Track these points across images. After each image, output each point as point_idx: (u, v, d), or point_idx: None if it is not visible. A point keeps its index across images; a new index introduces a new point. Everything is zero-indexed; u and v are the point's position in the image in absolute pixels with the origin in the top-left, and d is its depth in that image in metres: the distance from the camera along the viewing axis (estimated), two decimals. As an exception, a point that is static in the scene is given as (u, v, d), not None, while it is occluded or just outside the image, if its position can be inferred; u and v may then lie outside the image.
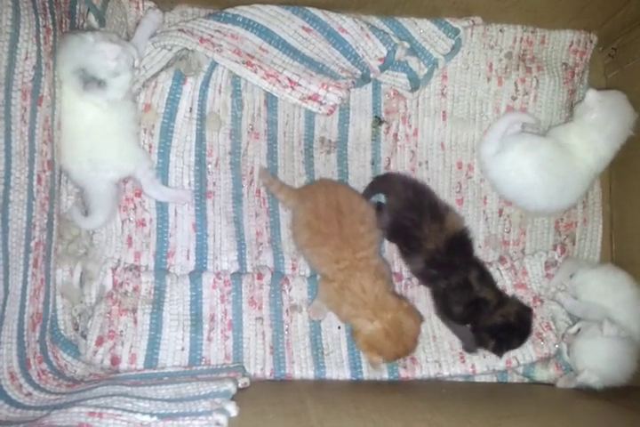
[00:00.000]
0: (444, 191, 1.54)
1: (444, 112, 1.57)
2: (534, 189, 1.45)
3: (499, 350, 1.36)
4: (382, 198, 1.50)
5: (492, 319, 1.35)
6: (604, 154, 1.44)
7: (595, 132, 1.43)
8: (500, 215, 1.56)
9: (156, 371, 1.28)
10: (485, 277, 1.39)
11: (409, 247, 1.40)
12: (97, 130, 1.29)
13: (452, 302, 1.38)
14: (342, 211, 1.35)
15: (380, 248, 1.44)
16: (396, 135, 1.55)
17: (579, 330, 1.37)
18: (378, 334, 1.28)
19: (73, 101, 1.26)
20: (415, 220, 1.38)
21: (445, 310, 1.40)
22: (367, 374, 1.37)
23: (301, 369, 1.35)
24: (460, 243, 1.39)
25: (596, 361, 1.32)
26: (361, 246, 1.33)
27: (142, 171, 1.36)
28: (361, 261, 1.32)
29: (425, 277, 1.42)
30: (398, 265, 1.49)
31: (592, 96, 1.42)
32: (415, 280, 1.46)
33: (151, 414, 1.00)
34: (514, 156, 1.45)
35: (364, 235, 1.34)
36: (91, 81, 1.23)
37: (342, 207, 1.36)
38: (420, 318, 1.34)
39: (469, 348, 1.40)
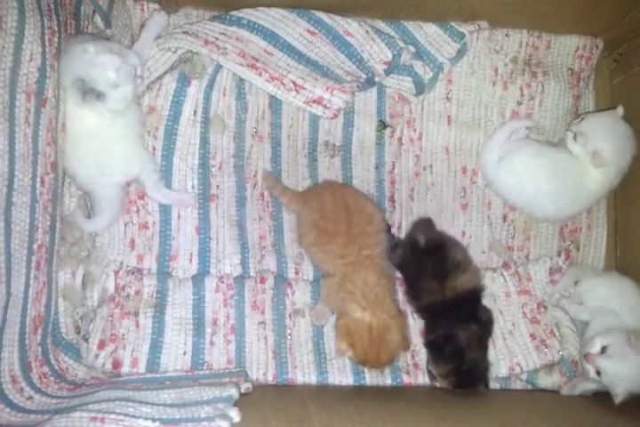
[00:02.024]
0: (448, 196, 1.54)
1: (448, 116, 1.56)
2: (545, 196, 1.45)
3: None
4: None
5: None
6: (615, 178, 1.45)
7: (608, 169, 1.43)
8: (504, 221, 1.56)
9: (157, 375, 1.27)
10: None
11: (410, 292, 1.41)
12: (102, 133, 1.29)
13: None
14: (350, 209, 1.35)
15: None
16: (400, 139, 1.55)
17: (602, 349, 1.29)
18: (361, 325, 1.27)
19: (77, 105, 1.26)
20: (417, 273, 1.38)
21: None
22: (370, 379, 1.37)
23: (304, 374, 1.35)
24: (462, 303, 1.36)
25: (637, 381, 1.25)
26: (367, 244, 1.33)
27: (146, 173, 1.36)
28: (366, 258, 1.32)
29: (419, 314, 1.42)
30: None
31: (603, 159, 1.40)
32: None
33: (153, 420, 0.99)
34: (523, 161, 1.45)
35: (370, 234, 1.35)
36: (90, 92, 1.22)
37: (350, 206, 1.36)
38: (407, 344, 1.33)
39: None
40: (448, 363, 1.32)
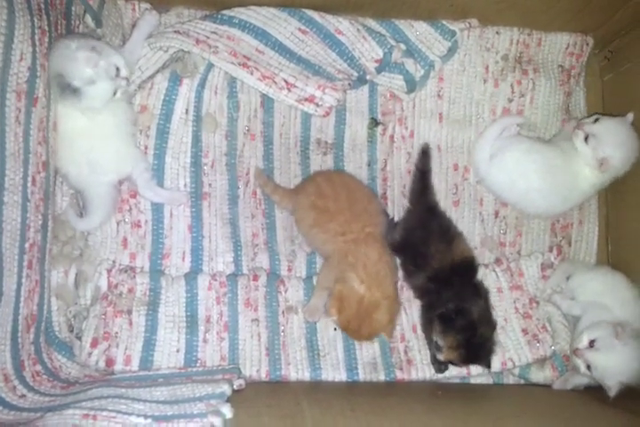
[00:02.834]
0: (440, 193, 1.53)
1: (440, 114, 1.57)
2: (537, 192, 1.45)
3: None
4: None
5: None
6: (607, 180, 1.46)
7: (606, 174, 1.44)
8: (496, 217, 1.56)
9: (150, 373, 1.27)
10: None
11: (415, 264, 1.40)
12: (93, 132, 1.29)
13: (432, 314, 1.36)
14: (351, 188, 1.38)
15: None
16: (392, 137, 1.55)
17: (590, 343, 1.30)
18: (354, 295, 1.28)
19: (58, 101, 1.25)
20: (424, 238, 1.39)
21: (424, 323, 1.40)
22: (363, 375, 1.37)
23: (297, 371, 1.35)
24: (464, 269, 1.39)
25: (628, 372, 1.26)
26: (370, 222, 1.35)
27: (138, 172, 1.36)
28: (368, 235, 1.34)
29: (421, 291, 1.42)
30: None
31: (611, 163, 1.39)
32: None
33: (145, 417, 1.00)
34: (515, 157, 1.45)
35: (372, 213, 1.37)
36: (67, 88, 1.22)
37: (351, 186, 1.39)
38: (391, 329, 1.34)
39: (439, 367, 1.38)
40: (459, 334, 1.30)
